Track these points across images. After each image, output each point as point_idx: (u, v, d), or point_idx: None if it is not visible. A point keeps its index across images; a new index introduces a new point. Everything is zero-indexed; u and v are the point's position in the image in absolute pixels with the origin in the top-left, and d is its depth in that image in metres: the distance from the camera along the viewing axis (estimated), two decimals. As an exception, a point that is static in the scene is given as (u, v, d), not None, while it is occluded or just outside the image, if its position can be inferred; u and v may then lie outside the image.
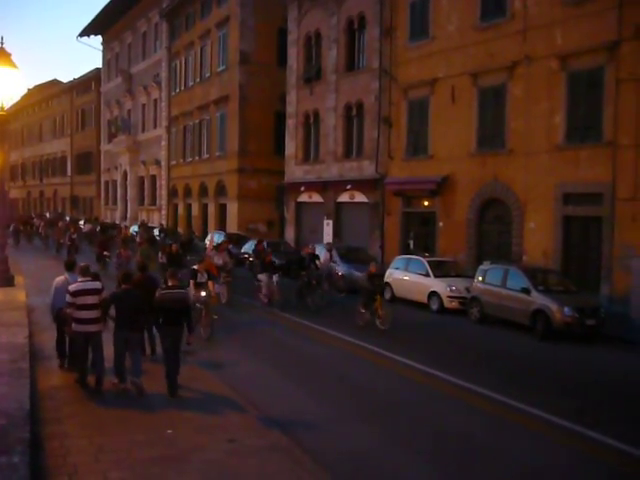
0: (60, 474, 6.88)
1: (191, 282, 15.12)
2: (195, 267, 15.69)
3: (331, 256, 23.02)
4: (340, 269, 23.26)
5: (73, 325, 10.07)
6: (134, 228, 39.38)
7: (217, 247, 21.86)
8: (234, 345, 14.30)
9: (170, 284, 10.54)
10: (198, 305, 14.60)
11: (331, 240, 29.68)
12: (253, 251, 23.33)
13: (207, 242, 33.94)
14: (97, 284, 10.32)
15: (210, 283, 15.52)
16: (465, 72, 23.77)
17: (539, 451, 8.55)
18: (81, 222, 48.02)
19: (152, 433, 8.26)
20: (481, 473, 7.81)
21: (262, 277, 19.65)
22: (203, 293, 14.91)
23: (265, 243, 25.98)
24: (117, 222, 52.23)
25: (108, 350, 10.22)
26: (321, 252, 22.50)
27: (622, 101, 18.83)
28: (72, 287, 10.11)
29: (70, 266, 11.44)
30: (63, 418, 8.68)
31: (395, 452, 8.32)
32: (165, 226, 43.92)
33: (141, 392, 9.82)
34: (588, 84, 19.89)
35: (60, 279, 11.12)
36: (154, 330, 11.28)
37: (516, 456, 8.38)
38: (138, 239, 29.26)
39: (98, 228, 43.88)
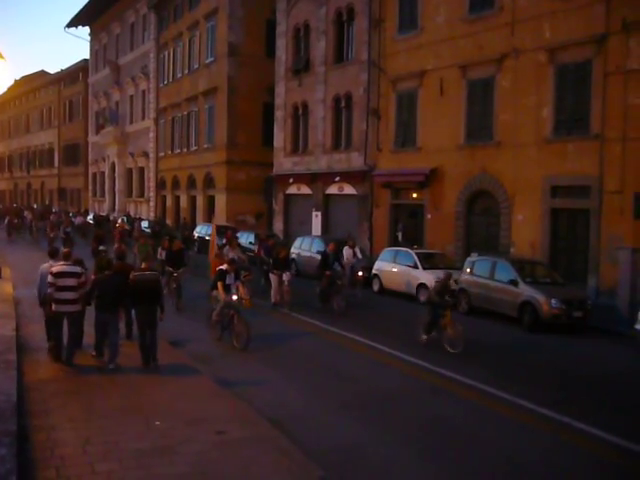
0: (47, 466, 6.87)
1: (219, 284, 13.54)
2: (223, 267, 13.89)
3: (354, 253, 21.34)
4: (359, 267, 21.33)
5: (54, 306, 10.72)
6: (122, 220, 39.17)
7: (230, 243, 20.28)
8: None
9: (143, 267, 11.70)
10: (226, 310, 13.49)
11: (320, 232, 29.75)
12: (263, 247, 22.16)
13: (196, 234, 33.96)
14: (77, 268, 11.11)
15: (240, 285, 13.96)
16: (454, 64, 23.76)
17: (526, 442, 8.62)
18: (69, 214, 47.67)
19: (140, 425, 8.26)
20: (468, 464, 7.86)
21: (271, 277, 18.36)
22: (234, 297, 13.40)
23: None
24: (106, 214, 51.94)
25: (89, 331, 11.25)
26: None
27: (610, 94, 18.90)
28: (54, 268, 10.89)
29: (53, 254, 12.23)
30: (50, 410, 8.66)
31: (382, 443, 8.35)
32: (158, 218, 43.75)
33: (117, 368, 10.81)
34: (576, 77, 19.93)
35: (45, 266, 11.66)
36: (132, 313, 11.91)
37: (503, 447, 8.44)
38: (135, 233, 28.97)
39: (90, 219, 43.69)
